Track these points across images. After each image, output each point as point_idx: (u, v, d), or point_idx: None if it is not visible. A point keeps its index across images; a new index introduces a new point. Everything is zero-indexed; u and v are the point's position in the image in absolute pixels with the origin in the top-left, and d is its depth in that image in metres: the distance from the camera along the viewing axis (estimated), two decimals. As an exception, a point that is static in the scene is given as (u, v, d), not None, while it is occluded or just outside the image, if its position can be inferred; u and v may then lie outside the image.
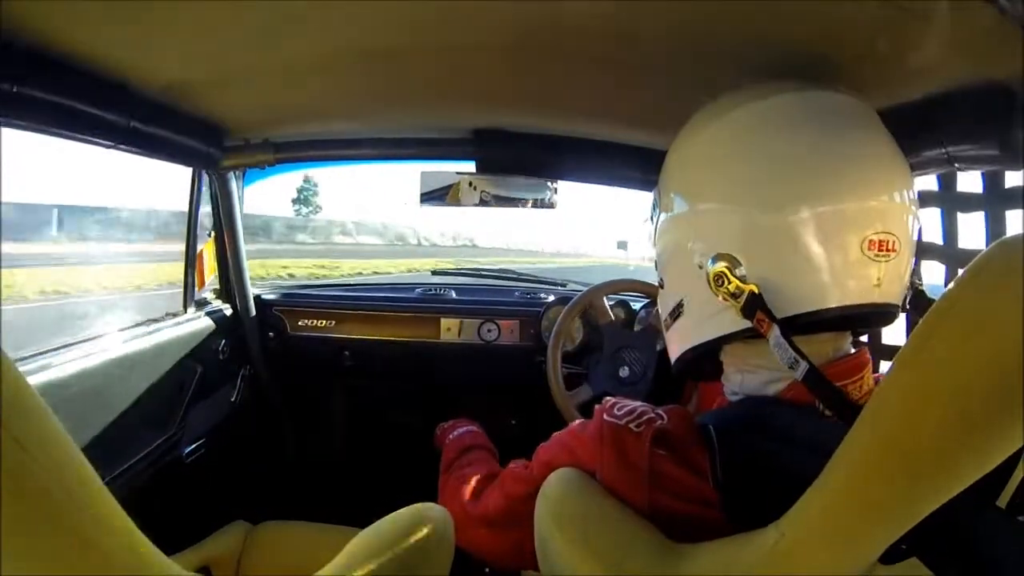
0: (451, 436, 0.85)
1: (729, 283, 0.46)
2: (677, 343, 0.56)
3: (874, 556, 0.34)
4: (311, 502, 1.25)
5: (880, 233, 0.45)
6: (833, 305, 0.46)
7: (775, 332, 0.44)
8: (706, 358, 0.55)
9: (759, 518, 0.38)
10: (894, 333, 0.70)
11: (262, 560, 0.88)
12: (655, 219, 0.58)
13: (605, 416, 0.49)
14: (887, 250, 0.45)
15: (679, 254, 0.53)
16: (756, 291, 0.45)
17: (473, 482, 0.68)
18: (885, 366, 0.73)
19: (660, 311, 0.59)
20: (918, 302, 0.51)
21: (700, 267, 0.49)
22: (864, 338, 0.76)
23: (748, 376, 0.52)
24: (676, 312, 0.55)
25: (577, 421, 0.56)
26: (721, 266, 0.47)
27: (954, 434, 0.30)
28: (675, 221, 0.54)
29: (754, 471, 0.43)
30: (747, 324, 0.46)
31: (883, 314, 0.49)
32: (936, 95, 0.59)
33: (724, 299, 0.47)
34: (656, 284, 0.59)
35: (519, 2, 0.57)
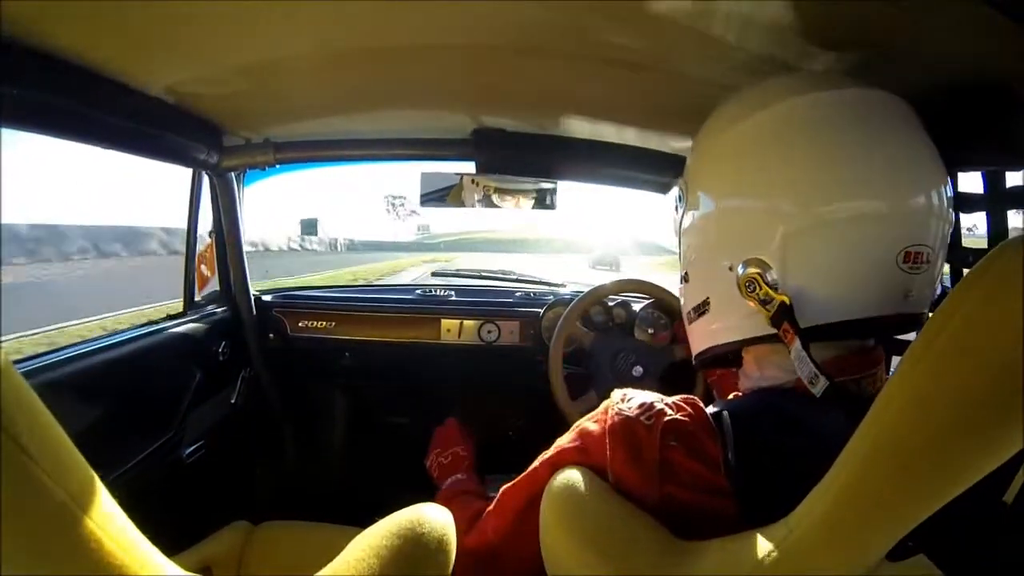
0: (443, 484, 0.81)
1: (760, 289, 0.46)
2: (700, 339, 0.56)
3: (881, 553, 0.34)
4: (312, 502, 1.24)
5: (915, 246, 0.44)
6: (862, 316, 0.45)
7: (797, 346, 0.43)
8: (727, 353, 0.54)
9: (772, 507, 0.38)
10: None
11: (263, 560, 0.88)
12: (680, 213, 0.57)
13: (615, 409, 0.48)
14: (921, 262, 0.44)
15: (707, 252, 0.53)
16: (788, 302, 0.44)
17: (463, 517, 0.60)
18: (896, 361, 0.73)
19: (683, 303, 0.59)
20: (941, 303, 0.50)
21: (730, 269, 0.48)
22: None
23: (767, 373, 0.51)
24: (701, 309, 0.54)
25: (585, 417, 0.53)
26: (752, 271, 0.46)
27: (957, 434, 0.30)
28: (704, 218, 0.53)
29: (767, 460, 0.42)
30: (773, 331, 0.46)
31: (910, 323, 0.47)
32: (937, 95, 0.59)
33: (753, 304, 0.46)
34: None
35: (520, 2, 0.57)
